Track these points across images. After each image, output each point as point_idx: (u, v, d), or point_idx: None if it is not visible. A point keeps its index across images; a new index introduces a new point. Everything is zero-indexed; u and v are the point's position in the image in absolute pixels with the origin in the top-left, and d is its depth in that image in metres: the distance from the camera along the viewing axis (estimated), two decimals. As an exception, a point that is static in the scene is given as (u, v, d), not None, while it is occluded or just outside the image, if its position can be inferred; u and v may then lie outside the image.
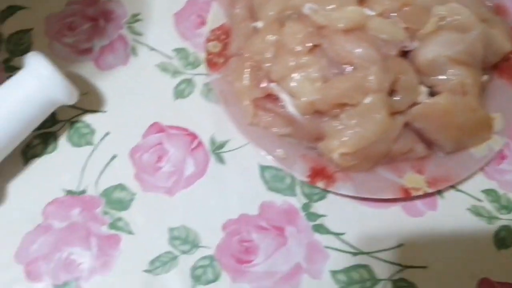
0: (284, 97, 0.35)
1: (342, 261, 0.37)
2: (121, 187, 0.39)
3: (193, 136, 0.40)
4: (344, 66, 0.34)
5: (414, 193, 0.36)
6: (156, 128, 0.40)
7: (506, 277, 0.36)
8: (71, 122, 0.41)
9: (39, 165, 0.39)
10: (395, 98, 0.35)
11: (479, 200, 0.39)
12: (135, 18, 0.45)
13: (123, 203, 0.38)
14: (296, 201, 0.39)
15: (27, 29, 0.44)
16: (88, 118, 0.41)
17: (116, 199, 0.38)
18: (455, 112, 0.35)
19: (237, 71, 0.37)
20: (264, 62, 0.36)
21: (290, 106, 0.35)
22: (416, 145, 0.36)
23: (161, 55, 0.43)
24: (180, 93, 0.42)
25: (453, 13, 0.35)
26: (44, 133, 0.40)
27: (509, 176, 0.39)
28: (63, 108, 0.39)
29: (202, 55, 0.43)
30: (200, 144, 0.40)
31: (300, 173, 0.36)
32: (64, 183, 0.39)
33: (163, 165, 0.39)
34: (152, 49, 0.43)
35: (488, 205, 0.39)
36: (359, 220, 0.38)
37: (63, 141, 0.40)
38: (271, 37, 0.36)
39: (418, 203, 0.39)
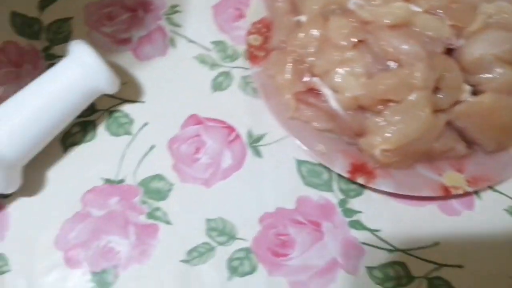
0: (326, 91, 0.35)
1: (378, 257, 0.37)
2: (159, 177, 0.39)
3: (231, 128, 0.40)
4: (389, 62, 0.34)
5: (454, 192, 0.36)
6: (194, 120, 0.41)
7: (544, 278, 0.36)
8: (110, 111, 0.41)
9: (78, 153, 0.40)
10: (438, 96, 0.35)
11: (517, 201, 0.38)
12: (174, 9, 0.45)
13: (161, 193, 0.38)
14: (333, 197, 0.39)
15: (67, 18, 0.44)
16: (127, 108, 0.41)
17: (154, 189, 0.39)
18: (499, 111, 0.35)
19: (278, 64, 0.37)
20: (307, 56, 0.36)
21: (332, 100, 0.35)
22: (457, 144, 0.36)
23: (199, 47, 0.43)
24: (218, 85, 0.42)
25: (500, 11, 0.35)
26: (83, 121, 0.40)
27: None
28: (102, 97, 0.39)
29: (240, 48, 0.43)
30: (237, 137, 0.40)
31: (340, 168, 0.36)
32: (103, 172, 0.39)
33: (200, 157, 0.40)
34: (191, 41, 0.43)
35: (525, 207, 0.38)
36: (395, 217, 0.38)
37: (101, 130, 0.40)
38: (315, 32, 0.35)
39: (455, 202, 0.39)
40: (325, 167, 0.39)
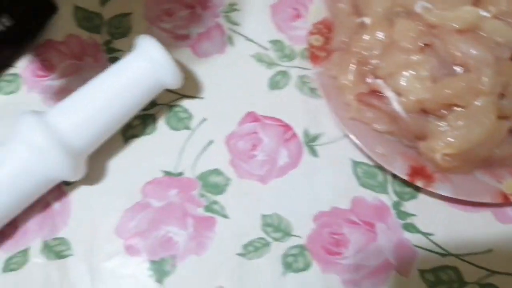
0: (390, 94, 0.36)
1: (431, 261, 0.37)
2: (217, 172, 0.40)
3: (287, 127, 0.41)
4: (455, 67, 0.34)
5: (513, 199, 0.36)
6: (252, 117, 0.41)
7: None
8: (170, 106, 0.42)
9: (138, 145, 0.41)
10: (503, 102, 0.35)
11: None
12: (232, 7, 0.45)
13: (219, 187, 0.39)
14: (387, 199, 0.39)
15: (127, 13, 0.46)
16: (186, 103, 0.42)
17: (212, 183, 0.39)
18: None
19: (341, 65, 0.38)
20: (371, 58, 0.36)
21: (395, 103, 0.35)
22: (517, 151, 0.36)
23: (257, 45, 0.44)
24: (275, 84, 0.42)
25: None
26: (144, 114, 0.41)
27: None
28: (163, 91, 0.40)
29: (298, 48, 0.43)
30: (294, 135, 0.41)
31: (399, 170, 0.36)
32: (163, 164, 0.40)
33: (257, 154, 0.40)
34: (248, 39, 0.44)
35: None
36: (448, 221, 0.38)
37: (161, 124, 0.41)
38: (380, 34, 0.36)
39: (509, 210, 0.39)
40: (380, 169, 0.39)
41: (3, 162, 0.35)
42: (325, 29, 0.40)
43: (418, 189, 0.39)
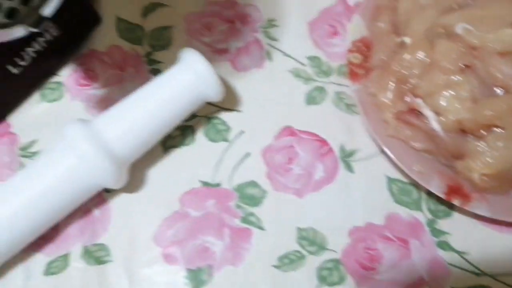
0: (428, 113, 0.36)
1: (465, 280, 0.38)
2: (253, 184, 0.40)
3: (323, 142, 0.42)
4: (495, 88, 0.35)
5: (550, 221, 0.36)
6: (288, 131, 0.42)
7: None
8: (208, 118, 0.43)
9: (177, 156, 0.42)
10: (543, 125, 0.35)
11: None
12: (271, 23, 0.46)
13: (255, 199, 0.40)
14: (422, 216, 0.39)
15: (168, 26, 0.47)
16: (224, 115, 0.43)
17: (249, 195, 0.40)
18: None
19: (380, 83, 0.38)
20: (411, 77, 0.37)
21: (433, 122, 0.36)
22: (555, 173, 0.36)
23: (294, 61, 0.45)
24: (312, 99, 0.43)
25: None
26: (183, 126, 0.42)
27: None
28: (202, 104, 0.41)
29: (335, 65, 0.44)
30: (330, 150, 0.41)
31: (436, 188, 0.37)
32: (200, 175, 0.41)
33: (293, 167, 0.41)
34: (286, 55, 0.45)
35: None
36: (483, 241, 0.39)
37: (200, 135, 0.42)
38: (421, 54, 0.36)
39: (545, 231, 0.39)
40: (415, 186, 0.40)
41: (51, 167, 0.36)
42: (364, 47, 0.41)
43: (452, 207, 0.39)
